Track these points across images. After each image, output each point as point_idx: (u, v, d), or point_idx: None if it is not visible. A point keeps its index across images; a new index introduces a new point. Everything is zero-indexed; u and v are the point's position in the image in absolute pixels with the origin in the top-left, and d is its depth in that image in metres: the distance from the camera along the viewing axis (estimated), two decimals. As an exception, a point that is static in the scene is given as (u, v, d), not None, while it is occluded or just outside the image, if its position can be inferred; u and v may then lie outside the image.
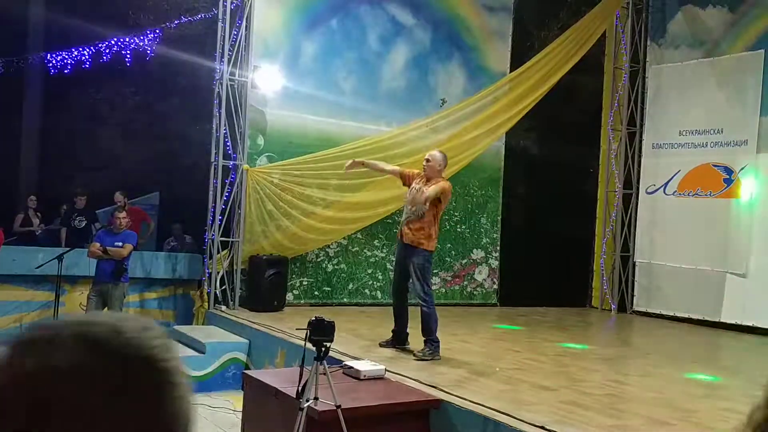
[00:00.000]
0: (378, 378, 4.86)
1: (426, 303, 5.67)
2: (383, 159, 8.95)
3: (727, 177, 9.19)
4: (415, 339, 5.92)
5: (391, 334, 6.07)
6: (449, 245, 9.93)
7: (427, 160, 5.80)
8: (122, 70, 11.24)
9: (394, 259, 8.55)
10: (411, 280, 5.77)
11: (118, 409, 0.62)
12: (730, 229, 9.05)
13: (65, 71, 11.05)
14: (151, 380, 0.64)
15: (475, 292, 10.22)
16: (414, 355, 5.63)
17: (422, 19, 9.69)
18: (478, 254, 10.21)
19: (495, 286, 10.37)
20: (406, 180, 5.99)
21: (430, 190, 5.59)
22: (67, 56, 11.00)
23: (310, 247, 8.91)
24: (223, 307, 8.17)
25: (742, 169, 9.00)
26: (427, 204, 5.64)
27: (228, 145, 8.34)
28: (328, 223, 8.81)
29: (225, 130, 8.27)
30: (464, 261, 10.11)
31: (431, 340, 5.69)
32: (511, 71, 10.03)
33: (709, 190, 9.37)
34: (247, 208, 8.35)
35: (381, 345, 6.04)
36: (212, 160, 8.33)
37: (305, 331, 3.93)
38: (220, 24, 8.35)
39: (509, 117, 9.68)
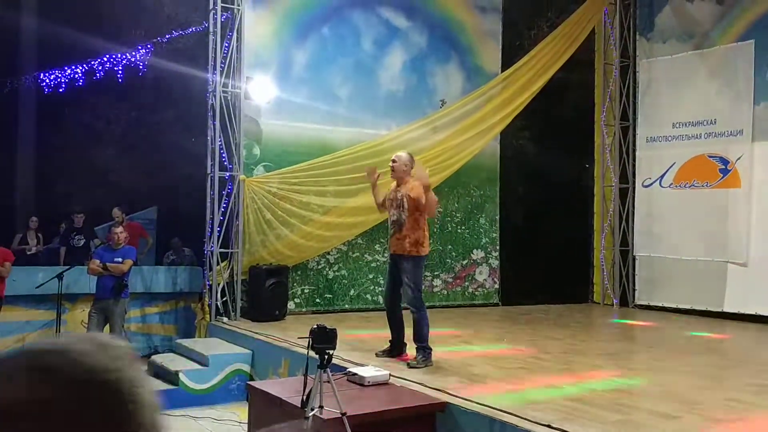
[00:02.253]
0: (382, 383, 4.86)
1: (416, 308, 5.60)
2: (381, 164, 8.97)
3: (723, 167, 9.21)
4: (411, 347, 5.85)
5: (388, 344, 5.98)
6: (449, 247, 9.94)
7: (394, 161, 5.72)
8: (116, 86, 11.27)
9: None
10: (402, 287, 5.70)
11: None
12: (729, 218, 9.07)
13: (59, 90, 11.08)
14: (106, 402, 0.63)
15: (476, 293, 10.22)
16: (407, 364, 5.54)
17: (417, 22, 9.72)
18: (478, 254, 10.22)
19: (496, 286, 10.38)
20: (383, 205, 5.93)
21: (415, 192, 5.51)
22: (60, 75, 11.04)
23: (310, 254, 8.91)
24: (225, 319, 8.17)
25: (739, 158, 9.01)
26: (396, 204, 5.62)
27: (224, 157, 8.35)
28: (327, 230, 8.81)
29: (220, 141, 8.28)
30: (464, 262, 10.12)
31: (423, 348, 5.60)
32: (502, 71, 10.06)
33: (706, 181, 9.39)
34: (245, 219, 8.35)
35: (377, 355, 5.90)
36: (208, 171, 8.34)
37: (307, 339, 3.93)
38: (211, 36, 8.37)
39: (502, 117, 9.70)
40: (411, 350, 5.80)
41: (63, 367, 0.63)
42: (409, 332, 5.79)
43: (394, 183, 5.80)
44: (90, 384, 0.63)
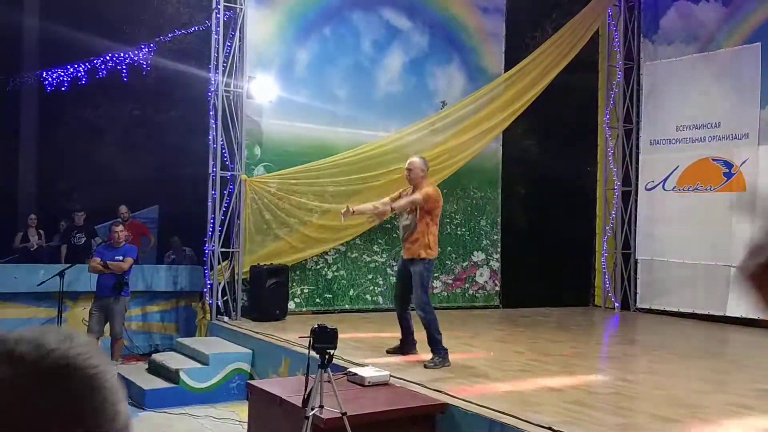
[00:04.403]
0: (383, 384, 4.85)
1: (423, 311, 5.62)
2: (380, 164, 9.01)
3: (727, 171, 9.17)
4: (423, 346, 5.88)
5: (398, 342, 6.06)
6: (449, 248, 9.91)
7: (409, 170, 5.75)
8: (119, 85, 11.28)
9: (394, 264, 8.59)
10: (412, 289, 5.75)
11: (41, 418, 0.65)
12: (732, 222, 9.03)
13: (62, 88, 11.08)
14: (70, 388, 0.67)
15: (477, 295, 10.19)
16: (424, 366, 5.57)
17: (418, 22, 9.70)
18: (478, 256, 10.19)
19: (497, 288, 10.35)
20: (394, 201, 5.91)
21: (415, 195, 5.62)
22: (63, 73, 11.04)
23: (309, 254, 8.89)
24: (226, 318, 8.16)
25: (744, 162, 8.97)
26: (409, 209, 5.66)
27: (225, 156, 8.35)
28: (324, 231, 8.81)
29: (222, 141, 8.27)
30: (465, 264, 10.09)
31: (438, 350, 5.63)
32: (505, 72, 10.03)
33: (709, 185, 9.35)
34: (246, 218, 8.34)
35: (388, 352, 6.04)
36: (210, 171, 8.33)
37: (308, 339, 3.91)
38: (213, 36, 8.37)
39: (504, 118, 9.67)
40: (422, 351, 5.82)
41: (31, 353, 0.68)
42: (420, 335, 5.83)
43: (410, 188, 5.83)
44: (56, 370, 0.67)
